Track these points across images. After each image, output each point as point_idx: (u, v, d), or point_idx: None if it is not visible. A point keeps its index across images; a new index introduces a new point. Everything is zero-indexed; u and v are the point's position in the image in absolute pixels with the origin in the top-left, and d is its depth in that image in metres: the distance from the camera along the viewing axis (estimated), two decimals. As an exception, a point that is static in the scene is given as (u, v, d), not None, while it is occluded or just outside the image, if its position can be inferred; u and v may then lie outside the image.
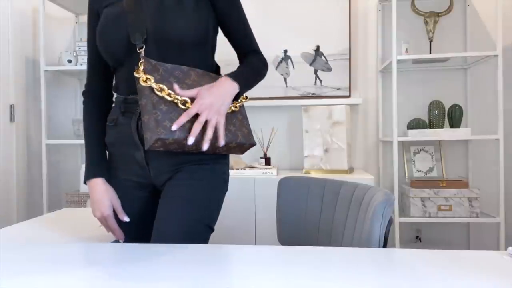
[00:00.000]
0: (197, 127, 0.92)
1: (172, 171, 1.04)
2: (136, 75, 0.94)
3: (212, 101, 0.94)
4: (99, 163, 1.09)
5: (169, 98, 0.93)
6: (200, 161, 1.04)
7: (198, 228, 1.00)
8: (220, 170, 1.08)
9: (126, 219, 1.06)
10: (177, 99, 0.93)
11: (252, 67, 1.09)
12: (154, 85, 0.92)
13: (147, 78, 0.93)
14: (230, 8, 1.08)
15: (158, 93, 0.92)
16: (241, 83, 1.02)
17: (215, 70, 1.13)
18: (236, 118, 1.04)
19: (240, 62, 1.14)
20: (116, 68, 1.08)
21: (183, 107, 0.94)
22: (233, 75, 1.02)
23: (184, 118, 0.91)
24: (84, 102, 1.14)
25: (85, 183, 1.09)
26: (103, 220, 1.05)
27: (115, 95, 1.12)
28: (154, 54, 0.99)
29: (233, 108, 1.03)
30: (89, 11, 1.11)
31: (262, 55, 1.15)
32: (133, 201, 1.10)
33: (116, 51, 1.02)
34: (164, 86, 0.93)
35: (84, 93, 1.15)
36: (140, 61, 0.95)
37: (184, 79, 0.98)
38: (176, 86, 0.94)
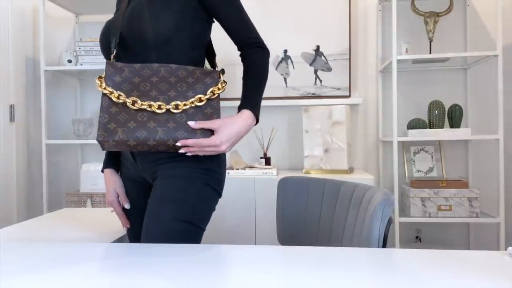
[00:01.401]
0: (193, 149, 0.96)
1: (154, 166, 1.06)
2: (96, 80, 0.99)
3: (225, 145, 0.98)
4: (108, 157, 1.18)
5: (119, 101, 0.96)
6: (176, 158, 1.03)
7: (176, 226, 0.98)
8: (204, 167, 1.04)
9: (127, 206, 1.13)
10: (126, 101, 0.95)
11: (258, 76, 1.06)
12: (105, 90, 0.96)
13: (100, 83, 0.97)
14: (221, 4, 1.05)
15: (110, 96, 0.96)
16: (258, 110, 1.03)
17: (200, 61, 1.11)
18: (203, 113, 0.99)
19: (240, 56, 1.10)
20: None
21: (133, 107, 0.95)
22: (252, 105, 1.02)
23: (191, 142, 0.95)
24: None
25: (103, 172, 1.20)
26: (110, 206, 1.14)
27: None
28: (128, 56, 1.04)
29: (196, 103, 0.98)
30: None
31: (261, 44, 1.09)
32: (133, 196, 1.15)
33: (107, 55, 1.08)
34: (113, 90, 0.96)
35: None
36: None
37: (150, 77, 0.99)
38: (191, 123, 0.96)
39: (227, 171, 2.12)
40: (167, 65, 1.00)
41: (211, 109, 1.00)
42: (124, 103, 0.96)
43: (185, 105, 0.97)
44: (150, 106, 0.95)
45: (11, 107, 2.42)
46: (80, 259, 0.79)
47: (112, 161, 1.17)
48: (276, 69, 2.49)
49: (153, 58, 1.02)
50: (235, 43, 1.10)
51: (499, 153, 2.08)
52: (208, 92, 1.00)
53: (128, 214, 1.15)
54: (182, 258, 0.78)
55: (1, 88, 2.34)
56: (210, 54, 1.16)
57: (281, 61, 2.48)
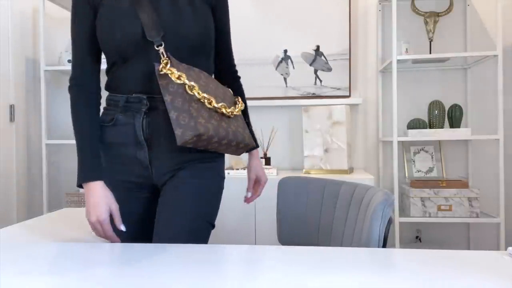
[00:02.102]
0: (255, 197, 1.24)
1: (174, 170, 1.05)
2: (165, 71, 0.93)
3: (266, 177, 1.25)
4: (97, 165, 1.01)
5: (198, 96, 0.95)
6: (201, 160, 1.06)
7: (201, 225, 1.03)
8: (219, 168, 1.11)
9: (123, 228, 0.99)
10: (205, 98, 0.96)
11: (246, 107, 1.20)
12: (187, 81, 0.94)
13: (179, 75, 0.93)
14: (226, 19, 1.14)
15: (189, 91, 0.94)
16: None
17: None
18: (240, 120, 1.08)
19: (224, 77, 1.19)
20: (114, 65, 1.04)
21: (209, 106, 0.97)
22: (255, 141, 1.20)
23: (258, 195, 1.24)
24: (74, 98, 1.04)
25: (80, 186, 1.01)
26: (98, 225, 0.97)
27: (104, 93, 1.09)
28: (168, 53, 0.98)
29: (235, 112, 1.06)
30: (79, 1, 1.03)
31: (237, 73, 1.23)
32: (134, 203, 1.08)
33: (126, 46, 0.99)
34: (195, 84, 0.94)
35: (72, 88, 1.05)
36: (163, 59, 0.94)
37: (198, 79, 0.99)
38: (247, 199, 1.23)
39: (227, 171, 2.12)
40: (202, 71, 1.03)
41: (241, 118, 1.09)
42: (200, 100, 0.96)
43: (235, 111, 1.04)
44: (221, 107, 0.98)
45: (11, 107, 2.42)
46: (80, 259, 0.79)
47: (100, 171, 1.01)
48: (276, 69, 2.49)
49: (192, 61, 1.02)
50: (221, 64, 1.18)
51: (499, 153, 2.08)
52: (239, 104, 1.09)
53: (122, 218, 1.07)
54: (182, 258, 0.78)
55: (1, 88, 2.34)
56: None
57: (281, 61, 2.48)
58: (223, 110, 0.99)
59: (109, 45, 1.01)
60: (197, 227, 1.01)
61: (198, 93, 0.94)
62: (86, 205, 0.99)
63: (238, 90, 1.20)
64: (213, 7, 1.09)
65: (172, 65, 0.94)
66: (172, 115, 0.92)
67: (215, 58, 1.16)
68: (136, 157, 1.04)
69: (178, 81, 0.93)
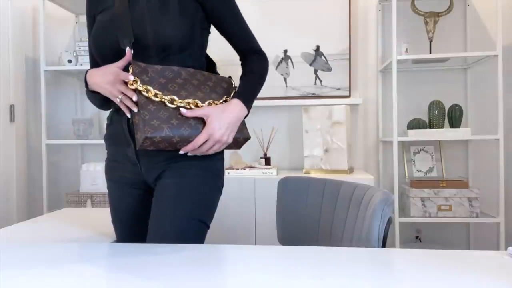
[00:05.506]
0: (196, 151, 0.99)
1: (161, 167, 1.05)
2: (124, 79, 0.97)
3: (222, 133, 0.98)
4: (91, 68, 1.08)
5: (156, 99, 0.96)
6: (188, 157, 1.04)
7: (190, 225, 1.01)
8: (212, 166, 1.07)
9: (131, 77, 0.96)
10: (164, 99, 0.96)
11: (255, 76, 1.10)
12: (140, 87, 0.95)
13: (133, 81, 0.95)
14: (222, 6, 1.08)
15: (145, 94, 0.95)
16: (249, 105, 1.06)
17: (207, 67, 1.14)
18: None
19: (242, 63, 1.14)
20: None
21: (171, 105, 0.97)
22: (244, 97, 1.05)
23: (191, 147, 0.97)
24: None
25: (87, 86, 1.06)
26: (120, 87, 0.97)
27: None
28: (142, 58, 1.01)
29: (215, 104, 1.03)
30: (87, 15, 1.14)
31: (262, 53, 1.14)
32: (128, 199, 1.11)
33: (108, 56, 1.04)
34: (150, 87, 0.96)
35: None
36: (130, 66, 0.97)
37: (174, 78, 1.00)
38: (184, 111, 0.97)
39: (227, 171, 2.12)
40: (186, 69, 1.03)
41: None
42: (161, 102, 0.96)
43: (216, 104, 1.02)
44: (188, 104, 0.98)
45: (11, 107, 2.42)
46: (80, 259, 0.79)
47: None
48: (276, 69, 2.49)
49: (170, 62, 1.02)
50: (239, 53, 1.14)
51: (499, 153, 2.08)
52: (232, 94, 1.07)
53: (117, 219, 1.14)
54: (182, 258, 0.78)
55: (1, 88, 2.34)
56: (209, 62, 1.18)
57: (281, 61, 2.48)
58: (192, 106, 0.98)
59: (97, 57, 1.08)
60: (186, 228, 1.00)
61: (155, 94, 0.95)
62: (101, 83, 1.00)
63: (247, 66, 1.12)
64: (200, 1, 1.06)
65: (133, 71, 0.96)
66: (135, 120, 0.96)
67: (234, 48, 1.14)
68: (127, 154, 1.08)
69: (132, 87, 0.95)
